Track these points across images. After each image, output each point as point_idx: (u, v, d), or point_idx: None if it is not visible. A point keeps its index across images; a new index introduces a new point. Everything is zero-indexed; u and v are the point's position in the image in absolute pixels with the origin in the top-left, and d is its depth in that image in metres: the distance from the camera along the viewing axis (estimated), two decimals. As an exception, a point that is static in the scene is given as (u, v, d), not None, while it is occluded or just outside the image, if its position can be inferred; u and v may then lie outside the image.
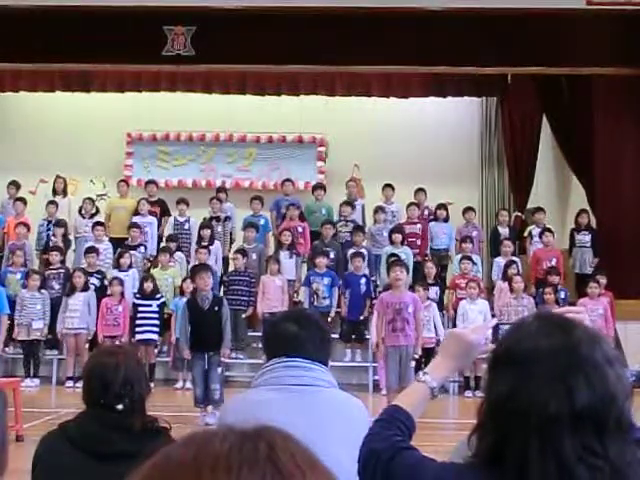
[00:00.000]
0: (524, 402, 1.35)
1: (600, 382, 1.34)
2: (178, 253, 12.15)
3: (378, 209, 12.71)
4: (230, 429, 0.87)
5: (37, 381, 10.93)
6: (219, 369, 8.41)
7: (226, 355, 8.44)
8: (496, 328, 1.61)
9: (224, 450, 0.83)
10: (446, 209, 12.78)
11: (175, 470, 0.82)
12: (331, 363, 2.89)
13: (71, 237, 12.88)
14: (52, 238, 12.43)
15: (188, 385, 10.49)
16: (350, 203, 12.81)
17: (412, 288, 10.63)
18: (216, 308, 8.48)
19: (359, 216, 13.00)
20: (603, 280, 10.98)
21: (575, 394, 1.33)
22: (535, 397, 1.35)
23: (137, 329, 10.95)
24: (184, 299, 10.70)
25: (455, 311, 11.07)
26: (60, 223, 12.61)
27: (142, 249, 12.33)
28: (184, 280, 11.17)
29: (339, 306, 11.47)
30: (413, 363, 8.65)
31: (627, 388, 1.38)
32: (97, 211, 13.22)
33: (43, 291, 11.24)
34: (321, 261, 11.39)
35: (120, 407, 2.48)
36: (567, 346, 1.38)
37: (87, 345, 11.01)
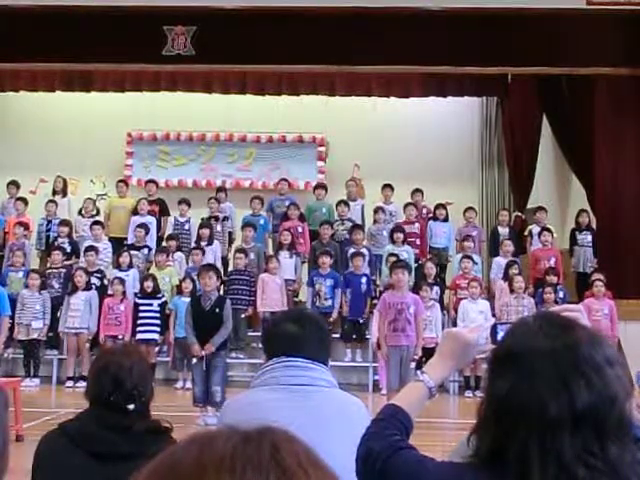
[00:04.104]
0: (524, 403, 1.35)
1: (600, 383, 1.35)
2: (178, 253, 12.14)
3: (378, 209, 12.72)
4: (233, 429, 0.87)
5: (37, 381, 10.93)
6: (221, 370, 8.37)
7: (207, 349, 8.24)
8: (494, 328, 1.62)
9: (228, 450, 0.83)
10: (445, 209, 12.80)
11: (179, 471, 0.83)
12: (331, 363, 2.89)
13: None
14: (59, 239, 12.43)
15: (188, 385, 10.49)
16: (346, 202, 12.81)
17: (416, 288, 10.66)
18: (217, 310, 8.44)
19: (358, 215, 13.00)
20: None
21: (575, 396, 1.33)
22: (535, 398, 1.35)
23: (138, 328, 10.96)
24: (183, 298, 10.72)
25: (456, 311, 11.08)
26: (64, 222, 12.61)
27: (146, 250, 12.33)
28: (183, 280, 11.16)
29: (340, 306, 11.47)
30: (413, 364, 8.66)
31: (627, 389, 1.38)
32: (98, 212, 13.24)
33: (43, 291, 11.25)
34: (325, 261, 11.36)
35: (132, 407, 2.49)
36: (567, 347, 1.39)
37: (88, 345, 11.03)
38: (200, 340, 8.35)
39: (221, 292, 11.41)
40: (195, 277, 10.89)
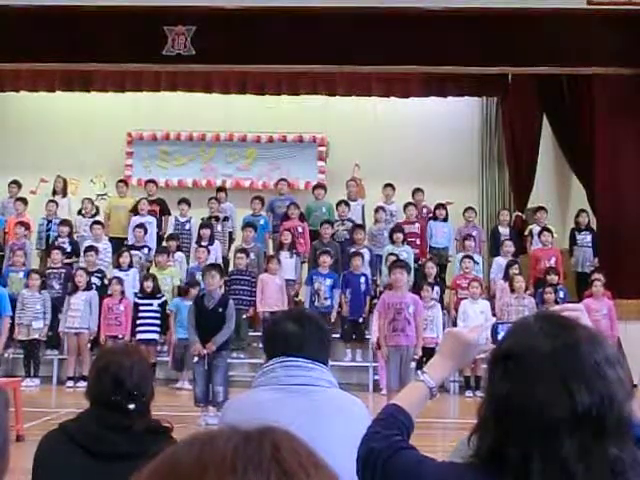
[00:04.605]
0: (524, 403, 1.35)
1: (601, 384, 1.34)
2: (178, 253, 12.14)
3: (379, 209, 12.73)
4: (234, 429, 0.87)
5: (37, 381, 10.91)
6: (223, 370, 8.38)
7: (209, 348, 8.26)
8: (495, 327, 1.62)
9: (229, 450, 0.83)
10: (445, 209, 12.81)
11: (179, 470, 0.83)
12: (331, 363, 2.89)
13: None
14: (59, 239, 12.44)
15: (187, 385, 10.47)
16: (346, 202, 12.82)
17: (416, 288, 10.66)
18: (220, 309, 8.45)
19: (358, 215, 13.00)
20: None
21: (576, 396, 1.33)
22: (536, 398, 1.35)
23: (138, 328, 10.95)
24: (185, 302, 10.68)
25: (456, 311, 11.09)
26: (65, 222, 12.61)
27: (146, 250, 12.33)
28: (191, 285, 11.01)
29: (340, 306, 11.47)
30: (413, 364, 8.66)
31: (627, 389, 1.38)
32: (97, 211, 13.24)
33: (43, 291, 11.24)
34: (325, 260, 11.38)
35: (132, 407, 2.49)
36: (568, 347, 1.38)
37: (89, 345, 11.03)
38: (202, 339, 8.34)
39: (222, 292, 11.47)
40: (200, 278, 10.90)
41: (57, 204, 13.02)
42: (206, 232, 12.13)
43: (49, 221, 12.83)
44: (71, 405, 7.85)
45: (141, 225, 12.42)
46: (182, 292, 11.06)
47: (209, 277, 8.52)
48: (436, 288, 11.31)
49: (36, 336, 11.08)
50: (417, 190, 13.15)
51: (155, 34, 11.59)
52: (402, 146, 14.17)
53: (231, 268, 11.96)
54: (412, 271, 11.17)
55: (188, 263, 12.15)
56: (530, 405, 1.35)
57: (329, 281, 11.35)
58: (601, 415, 1.33)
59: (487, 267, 12.58)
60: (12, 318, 10.82)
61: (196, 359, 8.41)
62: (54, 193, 13.44)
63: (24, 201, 13.03)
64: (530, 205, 13.58)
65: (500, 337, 1.66)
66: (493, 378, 1.43)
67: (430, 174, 13.78)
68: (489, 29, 11.26)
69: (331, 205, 13.03)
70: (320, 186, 13.38)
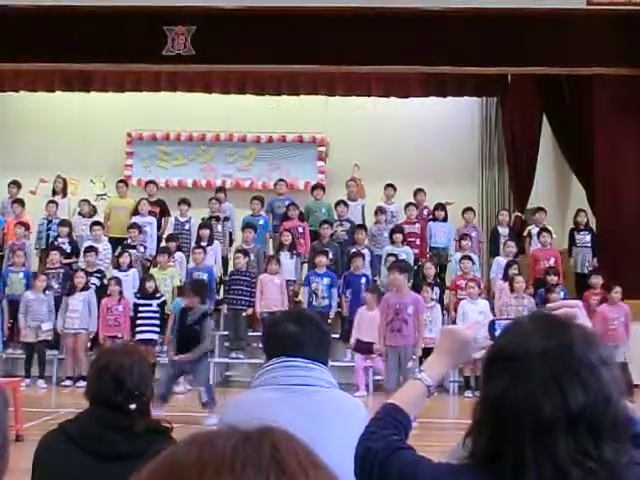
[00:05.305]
0: (519, 403, 1.35)
1: (595, 384, 1.34)
2: (178, 253, 12.13)
3: (378, 210, 12.73)
4: (233, 429, 0.88)
5: (41, 382, 10.85)
6: (200, 372, 8.59)
7: (180, 357, 8.53)
8: (492, 324, 1.62)
9: (228, 450, 0.83)
10: (444, 209, 12.80)
11: (179, 470, 0.83)
12: (331, 363, 2.89)
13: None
14: (59, 239, 12.42)
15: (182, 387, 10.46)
16: (344, 202, 12.82)
17: (416, 288, 10.66)
18: (197, 327, 8.63)
19: (358, 215, 13.00)
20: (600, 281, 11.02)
21: (570, 396, 1.33)
22: (530, 399, 1.34)
23: (137, 329, 10.94)
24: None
25: (456, 311, 11.08)
26: (65, 222, 12.59)
27: (141, 249, 12.31)
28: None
29: (339, 306, 11.48)
30: (410, 363, 8.66)
31: (622, 389, 1.38)
32: (95, 211, 13.21)
33: (47, 292, 11.22)
34: (321, 260, 11.40)
35: (133, 407, 2.49)
36: (562, 346, 1.38)
37: (89, 344, 11.02)
38: (179, 350, 8.60)
39: (221, 293, 11.55)
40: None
41: (57, 204, 13.00)
42: (205, 232, 12.12)
43: (49, 221, 12.80)
44: (70, 405, 7.85)
45: (134, 225, 12.38)
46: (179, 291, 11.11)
47: (186, 295, 8.93)
48: (436, 289, 11.31)
49: (44, 336, 11.05)
50: (419, 190, 13.14)
51: (155, 34, 11.59)
52: (402, 146, 14.18)
53: (231, 268, 11.96)
54: (412, 272, 11.16)
55: (188, 263, 12.14)
56: (524, 405, 1.35)
57: (326, 280, 11.36)
58: (596, 415, 1.33)
59: (487, 267, 12.58)
60: (14, 320, 10.81)
61: (174, 358, 8.66)
62: (54, 193, 13.41)
63: (21, 202, 12.93)
64: (530, 205, 13.58)
65: (497, 333, 1.66)
66: (487, 379, 1.43)
67: (430, 174, 13.78)
68: (488, 29, 11.26)
69: (331, 205, 13.03)
70: (319, 186, 13.39)
